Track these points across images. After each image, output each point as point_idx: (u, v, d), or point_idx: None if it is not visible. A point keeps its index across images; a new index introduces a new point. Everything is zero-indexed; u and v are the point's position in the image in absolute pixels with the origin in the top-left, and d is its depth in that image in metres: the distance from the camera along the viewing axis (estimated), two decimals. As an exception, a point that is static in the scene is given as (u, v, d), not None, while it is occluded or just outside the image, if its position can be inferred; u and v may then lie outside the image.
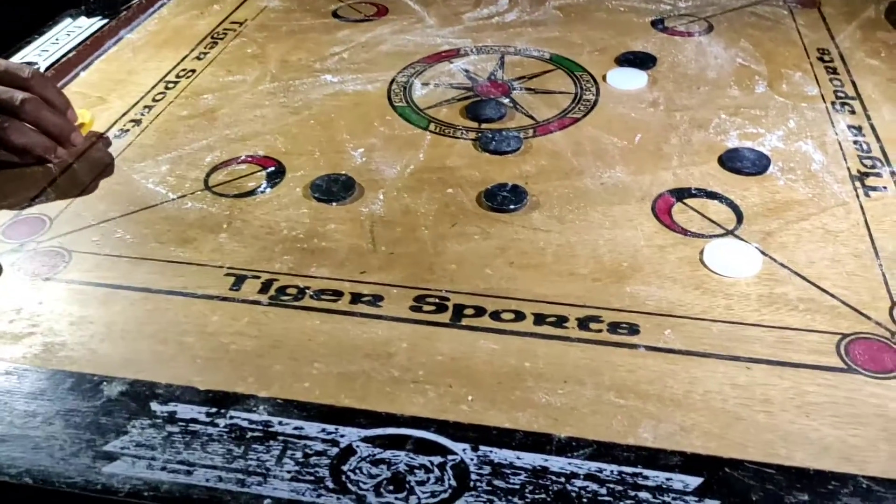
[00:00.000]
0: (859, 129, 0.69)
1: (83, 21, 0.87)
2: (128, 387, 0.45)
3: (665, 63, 0.80)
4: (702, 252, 0.56)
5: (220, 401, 0.45)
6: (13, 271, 0.55)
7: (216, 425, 0.43)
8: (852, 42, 0.83)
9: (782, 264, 0.55)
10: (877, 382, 0.46)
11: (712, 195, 0.61)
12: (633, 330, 0.50)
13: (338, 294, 0.53)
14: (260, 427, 0.43)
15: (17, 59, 0.80)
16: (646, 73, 0.78)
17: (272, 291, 0.53)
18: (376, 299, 0.53)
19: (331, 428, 0.43)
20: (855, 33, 0.85)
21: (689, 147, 0.67)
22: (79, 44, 0.82)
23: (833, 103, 0.72)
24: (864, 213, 0.59)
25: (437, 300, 0.53)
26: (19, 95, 0.63)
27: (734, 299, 0.52)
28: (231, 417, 0.43)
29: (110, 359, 0.48)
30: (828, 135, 0.68)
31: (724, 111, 0.72)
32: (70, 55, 0.80)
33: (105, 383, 0.45)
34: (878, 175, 0.63)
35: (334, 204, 0.62)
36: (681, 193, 0.62)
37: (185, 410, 0.44)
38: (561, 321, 0.51)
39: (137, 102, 0.75)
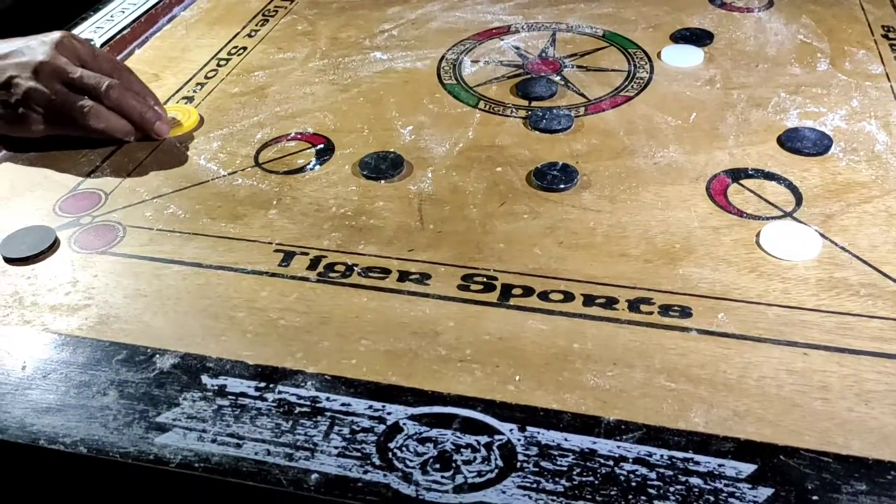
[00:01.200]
0: (927, 108, 0.66)
1: (137, -1, 0.88)
2: (179, 360, 0.46)
3: (722, 40, 0.78)
4: (758, 234, 0.54)
5: (269, 376, 0.45)
6: (70, 245, 0.56)
7: (265, 399, 0.43)
8: (921, 18, 0.80)
9: (843, 248, 0.53)
10: (941, 372, 0.44)
11: (770, 176, 0.60)
12: (686, 313, 0.49)
13: (385, 272, 0.53)
14: (308, 402, 0.43)
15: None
16: (702, 49, 0.76)
17: (320, 268, 0.54)
18: (424, 277, 0.53)
19: (378, 405, 0.43)
20: (924, 9, 0.81)
21: (747, 126, 0.65)
22: (133, 20, 0.83)
23: (899, 82, 0.70)
24: (929, 197, 0.57)
25: (484, 279, 0.52)
26: (105, 81, 0.65)
27: (791, 283, 0.51)
28: (280, 392, 0.44)
29: (162, 332, 0.49)
30: (892, 115, 0.65)
31: (784, 89, 0.70)
32: (125, 32, 0.81)
33: (157, 356, 0.46)
34: (946, 156, 0.60)
35: (383, 181, 0.61)
36: (737, 174, 0.60)
37: (234, 384, 0.44)
38: (611, 302, 0.50)
39: (190, 79, 0.76)
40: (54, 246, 0.56)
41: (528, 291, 0.51)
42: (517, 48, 0.79)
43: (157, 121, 0.67)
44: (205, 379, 0.45)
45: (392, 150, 0.64)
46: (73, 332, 0.49)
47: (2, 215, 0.59)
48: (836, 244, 0.53)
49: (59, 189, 0.62)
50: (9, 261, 0.55)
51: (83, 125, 0.64)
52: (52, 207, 0.60)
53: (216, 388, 0.44)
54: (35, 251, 0.55)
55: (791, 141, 0.63)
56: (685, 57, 0.75)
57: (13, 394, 0.44)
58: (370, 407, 0.43)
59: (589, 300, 0.50)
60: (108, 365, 0.46)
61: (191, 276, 0.53)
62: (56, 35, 0.66)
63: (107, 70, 0.66)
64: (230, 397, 0.44)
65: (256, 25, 0.85)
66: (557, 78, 0.73)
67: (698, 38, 0.78)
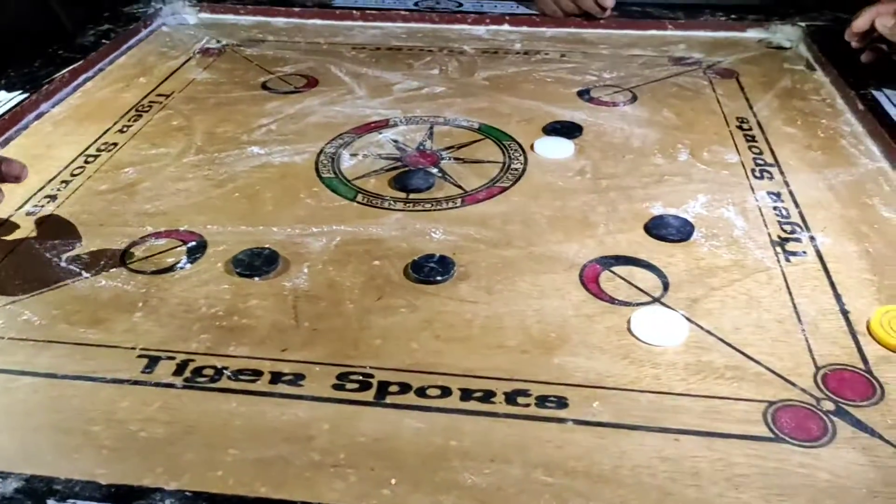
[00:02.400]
0: (778, 195, 0.70)
1: (3, 95, 0.84)
2: (23, 483, 0.42)
3: (591, 132, 0.82)
4: (629, 320, 0.56)
5: (124, 496, 0.42)
6: None
7: (117, 523, 0.40)
8: (770, 111, 0.86)
9: (709, 331, 0.55)
10: (804, 451, 0.46)
11: (639, 262, 0.62)
12: (562, 403, 0.49)
13: (257, 374, 0.51)
14: (165, 524, 0.40)
15: (-72, 133, 0.77)
16: (572, 141, 0.79)
17: (187, 373, 0.51)
18: (298, 378, 0.51)
19: (243, 521, 0.40)
20: (772, 102, 0.88)
21: (616, 215, 0.68)
22: (-4, 118, 0.80)
23: (753, 170, 0.74)
24: (785, 279, 0.60)
25: (360, 377, 0.51)
26: None
27: (662, 368, 0.52)
28: (134, 514, 0.41)
29: (6, 452, 0.45)
30: (748, 201, 0.69)
31: (649, 178, 0.73)
32: (-15, 130, 0.78)
33: (-2, 480, 0.42)
34: (797, 240, 0.64)
35: (257, 279, 0.60)
36: (608, 262, 0.62)
37: (83, 508, 0.41)
38: (488, 396, 0.49)
39: (55, 177, 0.73)
40: None
41: (404, 388, 0.50)
42: (395, 141, 0.80)
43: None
44: (50, 504, 0.41)
45: (267, 246, 0.63)
46: None
47: None
48: (702, 328, 0.55)
49: None
50: None
51: None
52: None
53: (62, 514, 0.40)
54: None
55: (657, 228, 0.65)
56: (557, 149, 0.78)
57: None
58: (234, 524, 0.40)
59: (466, 394, 0.50)
60: (-62, 495, 0.41)
61: (43, 388, 0.50)
62: None
63: None
64: (78, 524, 0.40)
65: (129, 121, 0.83)
66: (435, 170, 0.74)
67: (569, 130, 0.82)
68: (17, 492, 0.41)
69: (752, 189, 0.71)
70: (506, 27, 1.10)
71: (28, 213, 0.67)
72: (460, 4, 1.14)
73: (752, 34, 1.07)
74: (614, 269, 0.61)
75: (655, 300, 0.58)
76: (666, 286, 0.59)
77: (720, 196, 0.70)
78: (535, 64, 0.98)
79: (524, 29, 1.10)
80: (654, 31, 1.08)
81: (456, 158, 0.77)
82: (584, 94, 0.90)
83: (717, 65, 0.98)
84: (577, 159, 0.77)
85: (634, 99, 0.89)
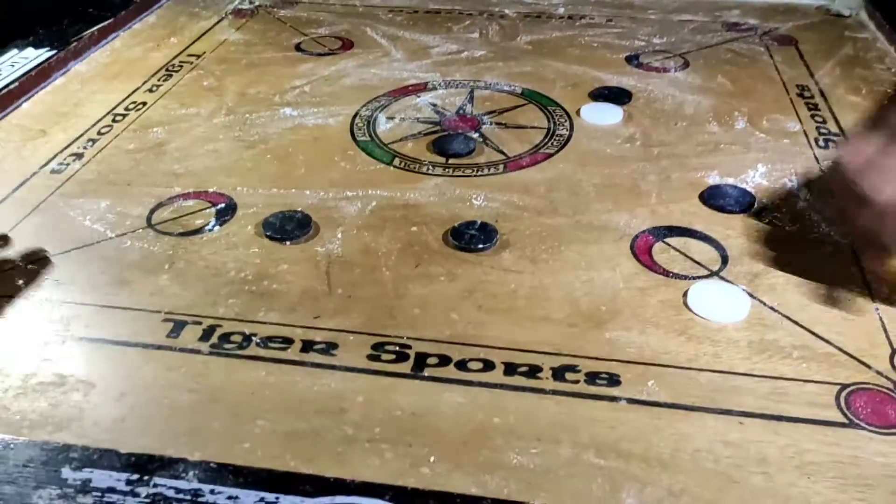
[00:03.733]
0: (845, 165, 0.65)
1: (30, 52, 0.82)
2: (38, 450, 0.39)
3: (641, 98, 0.77)
4: (685, 295, 0.52)
5: (144, 466, 0.39)
6: (-76, 317, 0.49)
7: (137, 495, 0.37)
8: (831, 79, 0.81)
9: (773, 308, 0.51)
10: (882, 438, 0.42)
11: (694, 234, 0.58)
12: (614, 380, 0.45)
13: (287, 341, 0.48)
14: (188, 498, 0.37)
15: (-46, 89, 0.74)
16: (621, 108, 0.75)
17: (214, 339, 0.48)
18: (330, 347, 0.48)
19: (270, 497, 0.37)
20: (834, 70, 0.83)
21: (669, 184, 0.64)
22: (22, 74, 0.77)
23: (816, 139, 0.69)
24: (855, 253, 0.55)
25: (397, 348, 0.48)
26: None
27: (722, 346, 0.48)
28: (155, 486, 0.38)
29: (23, 415, 0.42)
30: (812, 172, 0.65)
31: (704, 147, 0.69)
32: (12, 86, 0.75)
33: (11, 446, 0.39)
34: (867, 213, 0.59)
35: (288, 243, 0.57)
36: (661, 232, 0.58)
37: (101, 478, 0.38)
38: (534, 371, 0.46)
39: (82, 135, 0.70)
40: None
41: (444, 361, 0.47)
42: (434, 105, 0.76)
43: None
44: (66, 472, 0.38)
45: (299, 209, 0.60)
46: (-84, 419, 0.42)
47: None
48: (765, 304, 0.51)
49: (-81, 254, 0.55)
50: None
51: None
52: None
53: (79, 483, 0.38)
54: None
55: (713, 198, 0.61)
56: (604, 115, 0.74)
57: None
58: (261, 500, 0.37)
59: (510, 369, 0.46)
60: (-50, 459, 0.39)
61: (65, 354, 0.47)
62: None
63: None
64: (94, 494, 0.37)
65: (159, 80, 0.81)
66: (476, 135, 0.71)
67: (617, 96, 0.77)
68: (29, 461, 0.39)
69: (817, 159, 0.67)
70: (549, -9, 1.05)
71: (53, 171, 0.65)
72: (502, -33, 1.09)
73: (810, 0, 1.01)
74: (668, 240, 0.57)
75: (714, 274, 0.54)
76: (725, 259, 0.55)
77: (782, 166, 0.66)
78: (581, 28, 0.94)
79: (568, -7, 1.05)
80: (705, -3, 1.03)
81: (497, 123, 0.73)
82: (632, 59, 0.86)
83: (774, 31, 0.93)
84: (626, 126, 0.72)
85: (686, 65, 0.84)
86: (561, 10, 0.99)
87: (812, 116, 0.73)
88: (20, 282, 0.52)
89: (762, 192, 0.62)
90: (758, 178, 0.64)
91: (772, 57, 0.86)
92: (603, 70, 0.83)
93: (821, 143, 0.69)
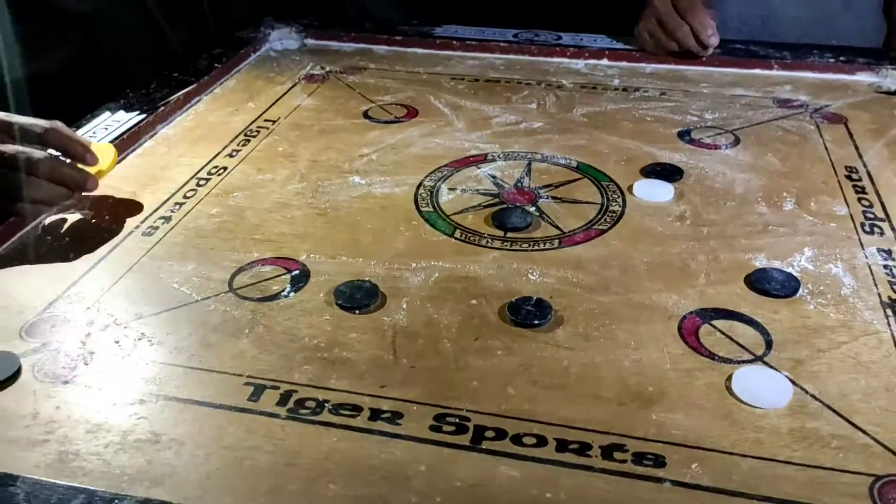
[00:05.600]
0: (889, 252, 0.68)
1: (121, 115, 0.89)
2: (138, 505, 0.44)
3: (692, 176, 0.81)
4: (730, 379, 0.55)
5: (231, 525, 0.43)
6: (33, 373, 0.55)
7: (226, 553, 0.42)
8: (880, 160, 0.83)
9: (814, 396, 0.53)
10: (916, 532, 0.44)
11: (740, 317, 0.60)
12: (659, 462, 0.48)
13: (357, 409, 0.52)
14: (271, 556, 0.41)
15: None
16: (672, 185, 0.78)
17: (291, 403, 0.53)
18: (396, 416, 0.52)
19: (344, 560, 0.41)
20: (883, 151, 0.85)
21: (717, 265, 0.67)
22: (115, 138, 0.84)
23: (862, 224, 0.72)
24: (895, 344, 0.58)
25: (457, 420, 0.51)
26: (36, 155, 0.66)
27: (764, 433, 0.50)
28: (241, 544, 0.42)
29: (124, 471, 0.47)
30: (858, 258, 0.67)
31: (752, 227, 0.72)
32: (107, 149, 0.82)
33: (117, 500, 0.44)
34: (910, 303, 0.62)
35: (357, 312, 0.61)
36: (708, 314, 0.61)
37: (194, 535, 0.42)
38: (584, 448, 0.49)
39: (169, 199, 0.76)
40: (17, 374, 0.54)
41: (500, 434, 0.50)
42: (493, 177, 0.81)
43: (86, 181, 0.70)
44: (164, 528, 0.43)
45: (367, 278, 0.65)
46: (31, 469, 0.47)
47: (-35, 338, 0.58)
48: (806, 392, 0.54)
49: (26, 311, 0.61)
50: (-31, 389, 0.53)
51: (24, 198, 0.67)
52: (17, 331, 0.59)
53: (175, 539, 0.42)
54: (-3, 379, 0.54)
55: (760, 282, 0.64)
56: (656, 192, 0.77)
57: (-41, 541, 0.42)
58: (336, 563, 0.41)
59: (562, 445, 0.50)
60: (63, 511, 0.44)
61: (156, 411, 0.52)
62: None
63: (34, 136, 0.68)
64: (189, 550, 0.42)
65: (238, 146, 0.87)
66: (533, 208, 0.75)
67: (669, 173, 0.81)
68: (133, 513, 0.44)
69: (862, 244, 0.69)
70: (605, 62, 1.10)
71: (144, 234, 0.71)
72: (559, 37, 1.14)
73: (862, 77, 1.04)
74: (715, 322, 0.60)
75: (758, 359, 0.57)
76: (769, 344, 0.58)
77: (827, 250, 0.68)
78: (635, 101, 0.98)
79: (623, 64, 1.09)
80: (758, 71, 1.06)
81: (554, 197, 0.77)
82: (684, 134, 0.89)
83: (825, 109, 0.95)
84: (677, 204, 0.76)
85: (737, 142, 0.88)
86: (616, 82, 1.04)
87: (859, 199, 0.76)
88: (117, 341, 0.58)
89: (807, 277, 0.65)
90: (804, 262, 0.67)
91: (821, 135, 0.89)
92: (655, 145, 0.87)
93: (867, 227, 0.71)
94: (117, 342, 0.58)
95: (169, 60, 1.11)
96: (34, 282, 0.64)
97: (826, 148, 0.86)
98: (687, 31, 1.04)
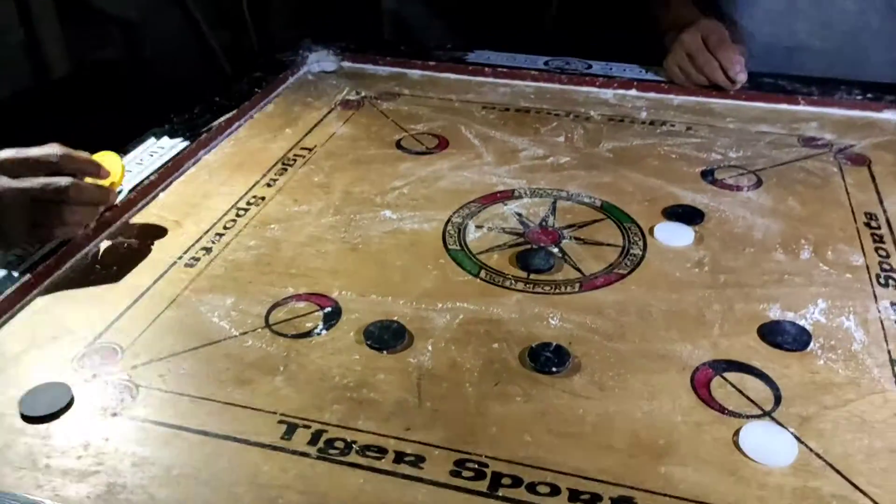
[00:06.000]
0: (902, 307, 0.70)
1: (166, 141, 0.93)
2: (181, 542, 0.48)
3: (712, 219, 0.83)
4: (738, 433, 0.57)
5: (265, 565, 0.47)
6: (85, 403, 0.59)
7: (260, 593, 0.45)
8: (901, 207, 0.85)
9: (818, 454, 0.56)
10: None
11: (752, 370, 0.63)
12: (666, 516, 0.51)
13: (382, 451, 0.56)
14: None
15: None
16: (692, 229, 0.81)
17: (321, 443, 0.56)
18: (418, 460, 0.55)
19: None
20: (904, 197, 0.87)
21: (732, 315, 0.69)
22: (161, 165, 0.88)
23: (878, 276, 0.74)
24: (902, 405, 0.60)
25: (476, 465, 0.55)
26: (62, 183, 0.69)
27: (767, 490, 0.53)
28: (274, 585, 0.46)
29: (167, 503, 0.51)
30: (870, 311, 0.69)
31: (769, 276, 0.74)
32: (152, 177, 0.86)
33: (161, 537, 0.48)
34: (918, 362, 0.64)
35: (385, 352, 0.65)
36: (720, 366, 0.63)
37: (232, 574, 0.46)
38: (595, 500, 0.52)
39: (209, 230, 0.80)
40: (70, 404, 0.59)
41: (516, 482, 0.54)
42: (519, 215, 0.83)
43: (109, 196, 0.76)
44: (204, 566, 0.47)
45: (395, 318, 0.68)
46: (82, 500, 0.51)
47: (22, 368, 0.62)
48: (811, 450, 0.56)
49: (78, 342, 0.65)
50: (26, 419, 0.58)
51: (63, 226, 0.71)
52: (69, 361, 0.63)
53: (214, 577, 0.46)
54: (51, 410, 0.58)
55: (772, 335, 0.66)
56: (677, 236, 0.79)
57: (20, 570, 0.46)
58: None
59: (574, 495, 0.53)
60: (112, 545, 0.48)
61: (197, 445, 0.56)
62: None
63: (52, 165, 0.71)
64: (227, 589, 0.46)
65: (275, 175, 0.91)
66: (556, 250, 0.78)
67: (690, 216, 0.83)
68: (176, 549, 0.48)
69: (876, 297, 0.71)
70: (633, 92, 1.12)
71: (186, 265, 0.75)
72: (590, 66, 1.17)
73: (889, 115, 1.05)
74: (726, 374, 0.63)
75: (766, 414, 0.59)
76: (778, 399, 0.60)
77: (841, 303, 0.70)
78: (661, 136, 1.00)
79: (651, 95, 1.11)
80: (784, 106, 1.07)
81: (576, 238, 0.80)
82: (707, 174, 0.91)
83: (849, 149, 0.97)
84: (696, 248, 0.78)
85: (759, 183, 0.90)
86: (643, 115, 1.06)
87: (876, 250, 0.78)
88: (160, 375, 0.62)
89: (820, 331, 0.67)
90: (817, 315, 0.69)
91: (844, 178, 0.90)
92: (679, 185, 0.89)
93: (882, 279, 0.73)
94: (161, 376, 0.62)
95: (209, 65, 1.15)
96: (84, 311, 0.69)
97: (847, 192, 0.88)
98: (716, 66, 1.06)
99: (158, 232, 0.80)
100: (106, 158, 0.78)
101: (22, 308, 0.69)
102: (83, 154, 0.75)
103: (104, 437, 0.56)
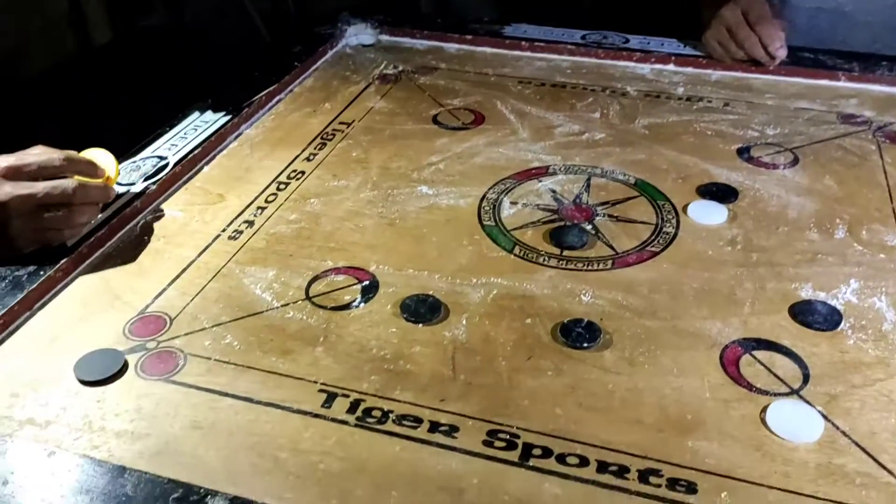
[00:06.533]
0: (936, 288, 0.70)
1: (209, 115, 0.96)
2: (228, 503, 0.51)
3: (746, 198, 0.83)
4: (765, 411, 0.58)
5: (306, 526, 0.50)
6: (136, 369, 0.62)
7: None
8: (939, 186, 0.84)
9: (844, 432, 0.57)
10: (926, 574, 0.48)
11: (781, 349, 0.64)
12: (691, 488, 0.53)
13: (418, 421, 0.58)
14: (341, 556, 0.48)
15: (149, 151, 0.89)
16: (726, 207, 0.81)
17: (359, 412, 0.59)
18: (452, 430, 0.57)
19: (403, 564, 0.48)
20: (942, 176, 0.86)
21: (763, 294, 0.70)
22: (204, 139, 0.91)
23: (912, 257, 0.74)
24: (931, 385, 0.60)
25: (508, 436, 0.57)
26: (69, 186, 0.70)
27: (792, 466, 0.55)
28: (315, 544, 0.49)
29: (213, 468, 0.54)
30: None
31: (801, 256, 0.74)
32: (196, 151, 0.89)
33: (209, 497, 0.51)
34: (949, 343, 0.64)
35: (421, 325, 0.67)
36: (750, 344, 0.64)
37: (273, 535, 0.49)
38: (622, 471, 0.54)
39: (251, 203, 0.83)
40: (123, 370, 0.62)
41: (546, 453, 0.56)
42: (553, 192, 0.85)
43: (110, 194, 0.76)
44: (249, 526, 0.50)
45: (431, 292, 0.70)
46: (135, 460, 0.54)
47: (77, 335, 0.66)
48: (837, 428, 0.57)
49: (129, 310, 0.68)
50: (82, 382, 0.61)
51: (73, 228, 0.73)
52: (121, 329, 0.66)
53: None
54: (105, 375, 0.61)
55: (803, 314, 0.67)
56: (710, 214, 0.80)
57: (81, 524, 0.50)
58: (396, 566, 0.48)
59: (602, 467, 0.55)
60: (165, 503, 0.51)
61: (242, 411, 0.59)
62: None
63: (55, 169, 0.71)
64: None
65: (315, 149, 0.93)
66: (589, 227, 0.79)
67: (724, 194, 0.83)
68: (222, 510, 0.51)
69: (908, 278, 0.71)
70: (671, 67, 1.12)
71: (230, 238, 0.78)
72: (627, 40, 1.16)
73: (931, 92, 1.03)
74: (755, 352, 0.64)
75: (794, 392, 0.60)
76: (806, 378, 0.61)
77: (874, 283, 0.71)
78: (697, 113, 1.00)
79: (689, 70, 1.11)
80: (824, 82, 1.06)
81: (610, 216, 0.81)
82: (743, 151, 0.91)
83: (888, 127, 0.96)
84: (729, 227, 0.79)
85: (796, 161, 0.89)
86: (680, 90, 1.06)
87: (911, 229, 0.78)
88: (207, 343, 0.65)
89: (851, 311, 0.68)
90: (849, 295, 0.69)
91: (882, 157, 0.90)
92: (714, 162, 0.89)
93: (916, 260, 0.73)
94: (207, 344, 0.65)
95: (248, 32, 1.16)
96: (134, 281, 0.72)
97: (885, 171, 0.87)
98: (755, 42, 1.05)
99: (204, 205, 0.82)
100: (98, 155, 0.78)
101: (76, 278, 0.72)
102: (80, 156, 0.76)
103: (155, 401, 0.60)
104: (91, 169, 0.75)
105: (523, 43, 1.17)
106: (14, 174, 0.69)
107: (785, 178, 0.87)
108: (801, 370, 0.62)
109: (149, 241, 0.77)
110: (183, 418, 0.58)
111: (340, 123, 0.98)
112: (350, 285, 0.72)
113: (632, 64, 1.13)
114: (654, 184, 0.86)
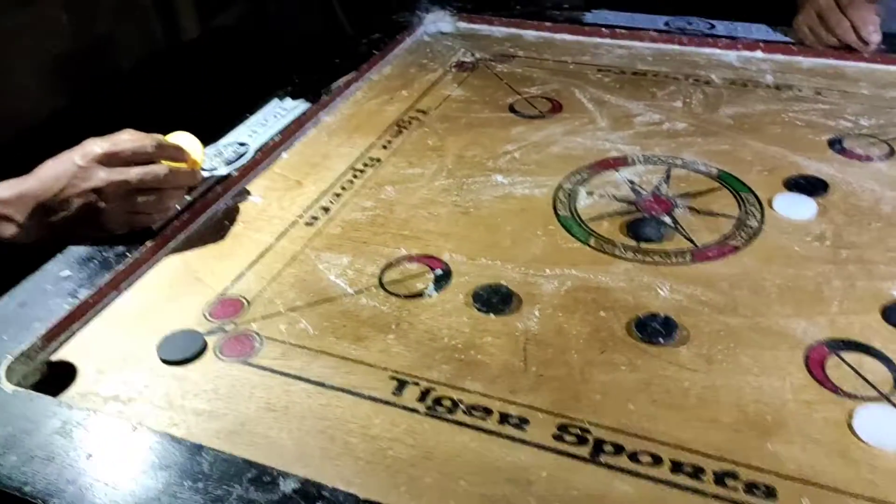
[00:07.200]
0: None
1: (289, 102, 0.97)
2: (300, 485, 0.52)
3: (837, 191, 0.79)
4: (852, 415, 0.56)
5: (373, 511, 0.50)
6: (215, 351, 0.64)
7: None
8: None
9: (936, 442, 0.54)
10: None
11: (871, 351, 0.61)
12: (770, 493, 0.51)
13: (487, 412, 0.58)
14: (408, 544, 0.48)
15: (231, 137, 0.91)
16: (815, 201, 0.77)
17: (429, 401, 0.59)
18: (522, 422, 0.57)
19: (469, 555, 0.48)
20: None
21: (852, 292, 0.67)
22: (284, 127, 0.92)
23: None
24: None
25: (578, 431, 0.56)
26: (160, 171, 0.73)
27: (878, 474, 0.52)
28: (379, 530, 0.49)
29: (285, 450, 0.55)
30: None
31: (894, 254, 0.71)
32: (275, 137, 0.90)
33: (282, 478, 0.52)
34: None
35: (493, 315, 0.66)
36: (837, 345, 0.62)
37: (340, 518, 0.50)
38: (697, 472, 0.53)
39: (328, 189, 0.84)
40: (202, 351, 0.64)
41: (618, 450, 0.55)
42: (631, 182, 0.83)
43: (196, 178, 0.78)
44: (317, 508, 0.50)
45: (503, 283, 0.69)
46: (211, 439, 0.56)
47: (159, 316, 0.68)
48: (930, 437, 0.54)
49: (209, 292, 0.70)
50: (165, 362, 0.63)
51: (164, 213, 0.75)
52: (202, 311, 0.68)
53: (328, 520, 0.50)
54: (186, 355, 0.63)
55: (896, 315, 0.64)
56: (798, 208, 0.77)
57: (159, 499, 0.51)
58: (462, 556, 0.47)
59: (676, 467, 0.53)
60: (239, 482, 0.52)
61: (314, 396, 0.60)
62: (88, 153, 0.71)
63: (148, 155, 0.73)
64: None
65: (391, 137, 0.93)
66: (668, 220, 0.77)
67: (813, 187, 0.80)
68: (294, 492, 0.51)
69: None
70: (758, 54, 1.07)
71: (306, 224, 0.79)
72: (712, 26, 1.12)
73: None
74: (843, 354, 0.61)
75: (883, 396, 0.57)
76: (897, 383, 0.58)
77: (974, 286, 0.67)
78: (786, 102, 0.96)
79: (778, 57, 1.06)
80: (925, 70, 1.01)
81: (690, 208, 0.78)
82: (835, 143, 0.87)
83: None
84: (818, 222, 0.75)
85: (891, 153, 0.85)
86: (769, 79, 1.02)
87: None
88: (282, 327, 0.66)
89: (948, 313, 0.64)
90: (947, 296, 0.66)
91: None
92: (803, 154, 0.85)
93: None
94: (283, 328, 0.66)
95: (329, 23, 1.17)
96: (214, 265, 0.74)
97: None
98: (847, 27, 1.00)
99: (282, 190, 0.84)
100: (184, 139, 0.79)
101: (158, 261, 0.74)
102: (169, 141, 0.77)
103: (231, 382, 0.61)
104: (179, 154, 0.77)
105: (604, 30, 1.15)
106: (109, 160, 0.72)
107: (880, 170, 0.82)
108: (892, 374, 0.59)
109: (229, 225, 0.79)
110: (258, 400, 0.59)
111: (417, 111, 0.98)
112: (423, 273, 0.72)
113: (717, 51, 1.09)
114: (738, 175, 0.83)
